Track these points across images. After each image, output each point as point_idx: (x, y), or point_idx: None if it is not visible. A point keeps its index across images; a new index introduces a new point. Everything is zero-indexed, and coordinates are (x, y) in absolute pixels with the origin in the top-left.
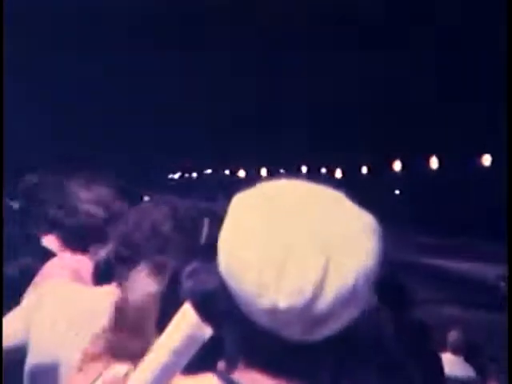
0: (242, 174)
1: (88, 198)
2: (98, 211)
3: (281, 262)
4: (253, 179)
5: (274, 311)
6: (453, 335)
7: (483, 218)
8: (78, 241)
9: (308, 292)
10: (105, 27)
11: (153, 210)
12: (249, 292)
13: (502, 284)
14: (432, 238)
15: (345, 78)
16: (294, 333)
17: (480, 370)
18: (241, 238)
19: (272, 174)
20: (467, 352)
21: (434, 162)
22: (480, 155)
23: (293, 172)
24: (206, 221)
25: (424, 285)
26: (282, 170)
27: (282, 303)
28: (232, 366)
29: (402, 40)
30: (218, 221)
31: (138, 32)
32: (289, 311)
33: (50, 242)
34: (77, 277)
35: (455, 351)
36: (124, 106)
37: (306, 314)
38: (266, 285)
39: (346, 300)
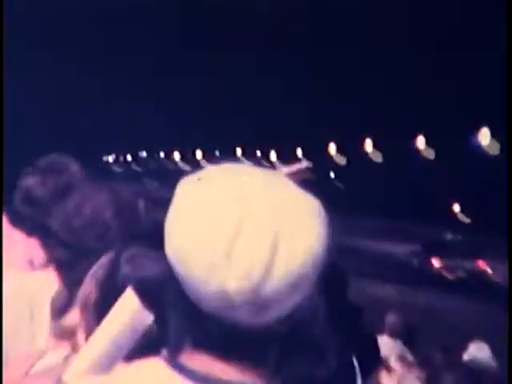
0: (177, 156)
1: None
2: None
3: (229, 246)
4: (189, 162)
5: (222, 294)
6: (390, 318)
7: (426, 201)
8: (26, 220)
9: (256, 275)
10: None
11: (94, 196)
12: (197, 277)
13: (415, 260)
14: (372, 220)
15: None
16: (241, 316)
17: (420, 354)
18: (188, 224)
19: (208, 158)
20: (405, 335)
21: (368, 145)
22: (414, 137)
23: (229, 155)
24: (142, 204)
25: (362, 267)
26: (217, 153)
27: (231, 286)
28: (177, 350)
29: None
30: (155, 204)
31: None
32: (237, 294)
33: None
34: (29, 263)
35: (392, 334)
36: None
37: (253, 296)
38: (214, 268)
39: (293, 284)
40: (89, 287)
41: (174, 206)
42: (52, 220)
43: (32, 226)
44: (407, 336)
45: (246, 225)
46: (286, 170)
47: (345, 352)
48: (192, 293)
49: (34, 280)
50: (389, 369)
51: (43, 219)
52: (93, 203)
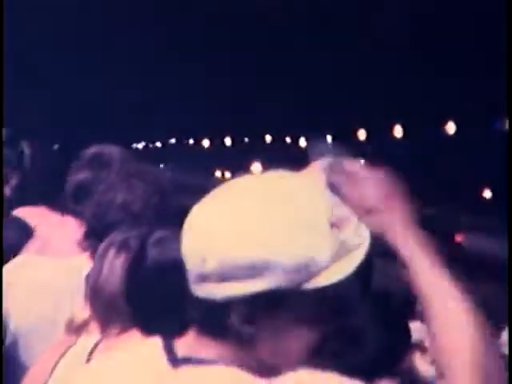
0: (206, 143)
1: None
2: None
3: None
4: (217, 149)
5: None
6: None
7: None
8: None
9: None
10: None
11: (124, 188)
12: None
13: None
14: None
15: (308, 48)
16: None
17: None
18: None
19: (236, 144)
20: None
21: (398, 131)
22: (444, 124)
23: (258, 141)
24: (171, 189)
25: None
26: (246, 139)
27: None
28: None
29: None
30: (183, 189)
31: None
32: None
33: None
34: (44, 248)
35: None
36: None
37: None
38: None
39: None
40: (99, 271)
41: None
42: (85, 211)
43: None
44: None
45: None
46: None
47: (379, 338)
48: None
49: (62, 267)
50: (423, 350)
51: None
52: (123, 196)
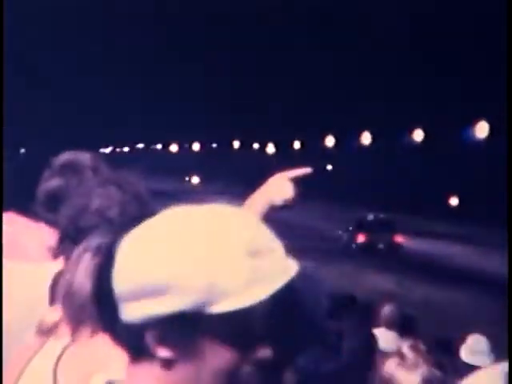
0: (174, 148)
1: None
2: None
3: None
4: (185, 154)
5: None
6: (386, 310)
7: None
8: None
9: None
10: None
11: (100, 194)
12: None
13: (340, 232)
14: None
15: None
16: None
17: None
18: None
19: (204, 149)
20: (401, 327)
21: (367, 138)
22: (411, 131)
23: (225, 147)
24: (146, 197)
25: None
26: (214, 145)
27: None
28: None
29: None
30: (157, 196)
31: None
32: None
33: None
34: (13, 253)
35: (388, 326)
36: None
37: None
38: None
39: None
40: (72, 276)
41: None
42: (60, 216)
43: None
44: (404, 328)
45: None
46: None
47: (349, 343)
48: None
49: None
50: (402, 357)
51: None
52: (98, 201)
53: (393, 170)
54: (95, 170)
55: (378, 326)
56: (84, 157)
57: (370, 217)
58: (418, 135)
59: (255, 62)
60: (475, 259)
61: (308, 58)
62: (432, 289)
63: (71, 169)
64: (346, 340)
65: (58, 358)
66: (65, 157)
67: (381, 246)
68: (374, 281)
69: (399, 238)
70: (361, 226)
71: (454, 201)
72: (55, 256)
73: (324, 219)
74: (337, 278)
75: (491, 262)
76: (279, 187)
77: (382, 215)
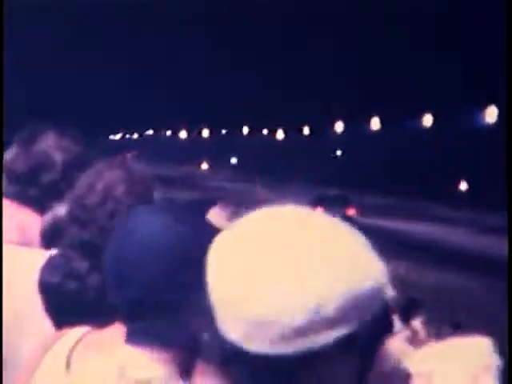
0: (183, 134)
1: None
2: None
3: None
4: (195, 140)
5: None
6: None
7: (435, 179)
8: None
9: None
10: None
11: (106, 173)
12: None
13: None
14: (377, 198)
15: (292, 42)
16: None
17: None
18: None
19: (214, 135)
20: (403, 310)
21: (376, 123)
22: (420, 117)
23: (235, 132)
24: (153, 182)
25: (384, 246)
26: (223, 131)
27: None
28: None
29: None
30: (166, 182)
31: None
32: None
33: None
34: (23, 237)
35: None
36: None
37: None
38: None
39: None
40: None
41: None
42: (64, 198)
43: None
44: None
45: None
46: None
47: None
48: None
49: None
50: (414, 331)
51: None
52: (105, 180)
53: (401, 154)
54: (62, 148)
55: None
56: (44, 132)
57: (329, 193)
58: (427, 120)
59: (263, 51)
60: (481, 244)
61: (315, 45)
62: (437, 273)
63: (30, 143)
64: None
65: (75, 344)
66: (25, 132)
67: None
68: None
69: (350, 212)
70: (319, 200)
71: (462, 186)
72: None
73: None
74: None
75: (496, 247)
76: None
77: (338, 192)
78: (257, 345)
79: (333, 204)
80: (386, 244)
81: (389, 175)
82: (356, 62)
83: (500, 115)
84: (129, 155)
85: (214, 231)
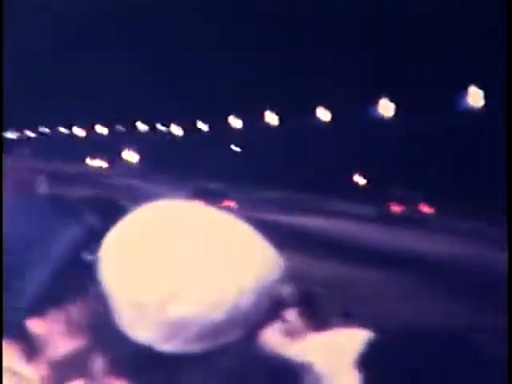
0: (79, 131)
1: None
2: None
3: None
4: (90, 137)
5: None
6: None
7: (330, 173)
8: None
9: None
10: None
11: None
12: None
13: None
14: (277, 193)
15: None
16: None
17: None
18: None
19: (110, 132)
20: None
21: (272, 118)
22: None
23: (130, 129)
24: (41, 179)
25: (281, 241)
26: (119, 127)
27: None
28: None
29: None
30: (56, 179)
31: None
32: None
33: None
34: None
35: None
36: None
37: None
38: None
39: (235, 318)
40: None
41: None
42: None
43: None
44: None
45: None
46: None
47: None
48: (124, 321)
49: None
50: (287, 323)
51: None
52: None
53: (300, 148)
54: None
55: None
56: None
57: (206, 185)
58: (325, 115)
59: (160, 47)
60: (375, 237)
61: (210, 40)
62: (333, 266)
63: None
64: None
65: None
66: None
67: None
68: None
69: (228, 203)
70: (196, 194)
71: (358, 179)
72: None
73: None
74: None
75: (392, 240)
76: None
77: (214, 184)
78: (171, 345)
79: (211, 196)
80: (280, 238)
81: (285, 169)
82: (254, 58)
83: (396, 109)
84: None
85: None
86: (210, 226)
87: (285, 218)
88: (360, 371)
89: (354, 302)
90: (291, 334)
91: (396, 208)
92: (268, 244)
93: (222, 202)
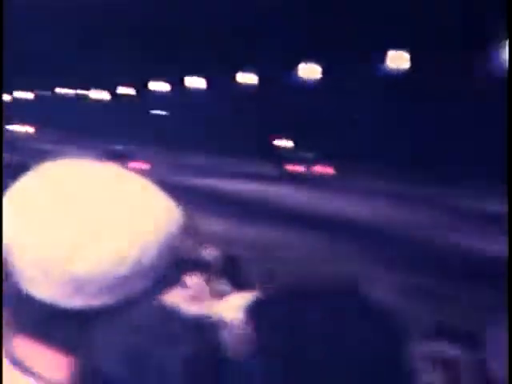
0: (6, 96)
1: None
2: None
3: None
4: (19, 102)
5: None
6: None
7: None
8: None
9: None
10: None
11: None
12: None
13: None
14: (203, 158)
15: None
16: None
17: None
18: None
19: (37, 98)
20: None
21: (197, 82)
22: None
23: (51, 94)
24: None
25: (198, 205)
26: (42, 92)
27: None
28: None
29: None
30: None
31: None
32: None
33: None
34: None
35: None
36: None
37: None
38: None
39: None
40: None
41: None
42: None
43: None
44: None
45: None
46: None
47: None
48: (24, 279)
49: None
50: (186, 288)
51: None
52: None
53: (222, 113)
54: None
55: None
56: None
57: (113, 148)
58: (248, 79)
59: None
60: (298, 199)
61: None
62: (260, 229)
63: None
64: None
65: None
66: None
67: None
68: None
69: (138, 165)
70: (106, 155)
71: (280, 142)
72: None
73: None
74: None
75: (315, 203)
76: None
77: (121, 147)
78: (75, 301)
79: (117, 159)
80: (203, 202)
81: (207, 133)
82: (177, 22)
83: (324, 73)
84: None
85: None
86: (112, 184)
87: (203, 182)
88: (248, 324)
89: (276, 264)
90: (195, 297)
91: (300, 169)
92: (170, 200)
93: (129, 164)
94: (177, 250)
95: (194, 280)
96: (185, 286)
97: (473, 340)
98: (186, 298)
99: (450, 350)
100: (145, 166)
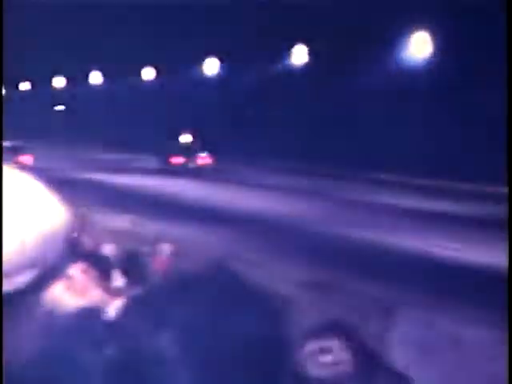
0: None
1: None
2: None
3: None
4: None
5: None
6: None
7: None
8: None
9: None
10: None
11: None
12: None
13: None
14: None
15: None
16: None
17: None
18: None
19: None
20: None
21: (96, 78)
22: (140, 69)
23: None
24: None
25: (97, 200)
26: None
27: None
28: None
29: None
30: None
31: None
32: None
33: None
34: None
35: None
36: None
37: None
38: None
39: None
40: None
41: None
42: None
43: None
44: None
45: None
46: None
47: None
48: None
49: None
50: (71, 280)
51: None
52: None
53: (121, 109)
54: None
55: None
56: None
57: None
58: (150, 74)
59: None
60: (208, 193)
61: None
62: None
63: None
64: None
65: None
66: None
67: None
68: None
69: (23, 159)
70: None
71: (185, 138)
72: None
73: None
74: None
75: (222, 196)
76: None
77: (15, 142)
78: None
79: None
80: (111, 198)
81: (104, 129)
82: (81, 20)
83: (222, 67)
84: None
85: None
86: None
87: (116, 179)
88: None
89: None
90: (75, 289)
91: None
92: (54, 196)
93: (17, 159)
94: (64, 244)
95: (78, 272)
96: (69, 277)
97: (358, 334)
98: (70, 289)
99: (336, 344)
100: (32, 161)
